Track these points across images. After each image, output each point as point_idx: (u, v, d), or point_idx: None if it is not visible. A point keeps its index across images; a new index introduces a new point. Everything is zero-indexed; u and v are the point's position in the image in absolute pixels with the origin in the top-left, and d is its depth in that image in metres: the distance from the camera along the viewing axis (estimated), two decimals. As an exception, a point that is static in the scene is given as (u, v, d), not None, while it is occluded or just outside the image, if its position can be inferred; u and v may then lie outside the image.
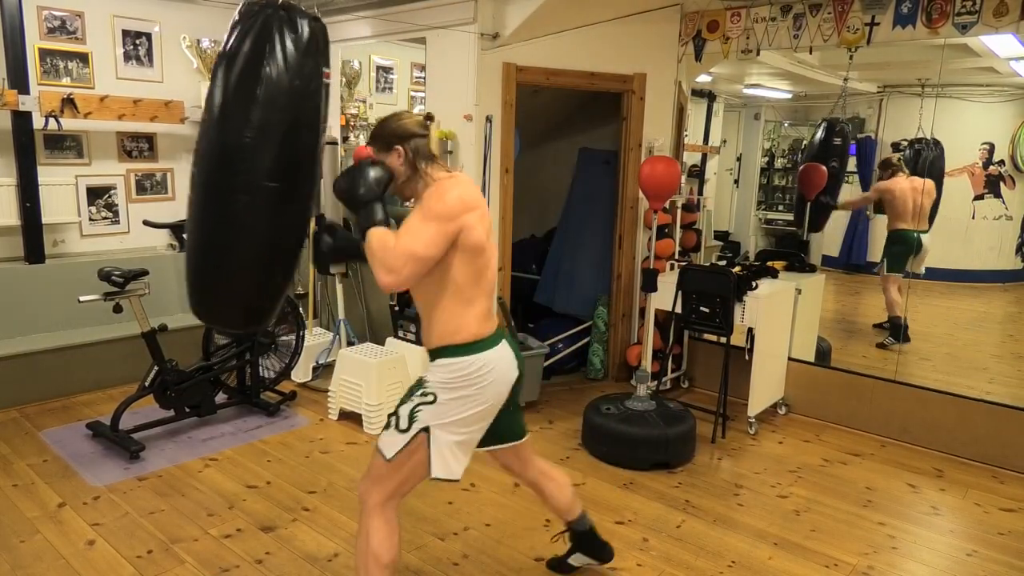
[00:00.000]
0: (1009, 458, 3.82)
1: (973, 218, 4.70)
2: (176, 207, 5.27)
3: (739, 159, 5.91)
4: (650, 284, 4.46)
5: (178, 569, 2.73)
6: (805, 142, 5.44)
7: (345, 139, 5.55)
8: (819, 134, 5.11)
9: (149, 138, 5.20)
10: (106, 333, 4.50)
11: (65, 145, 4.79)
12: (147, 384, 3.79)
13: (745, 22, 4.47)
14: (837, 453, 4.00)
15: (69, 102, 4.59)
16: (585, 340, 5.03)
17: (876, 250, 4.98)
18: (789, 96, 5.62)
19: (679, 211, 4.77)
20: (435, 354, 2.15)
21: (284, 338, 4.51)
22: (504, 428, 2.31)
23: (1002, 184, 4.57)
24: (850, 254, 5.22)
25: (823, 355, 4.83)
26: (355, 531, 3.00)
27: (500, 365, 2.15)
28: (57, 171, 4.74)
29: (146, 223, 5.09)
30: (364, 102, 6.09)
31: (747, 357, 4.24)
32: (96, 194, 5.00)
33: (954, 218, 4.73)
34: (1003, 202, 4.61)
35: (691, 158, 5.74)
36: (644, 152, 4.71)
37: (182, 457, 3.67)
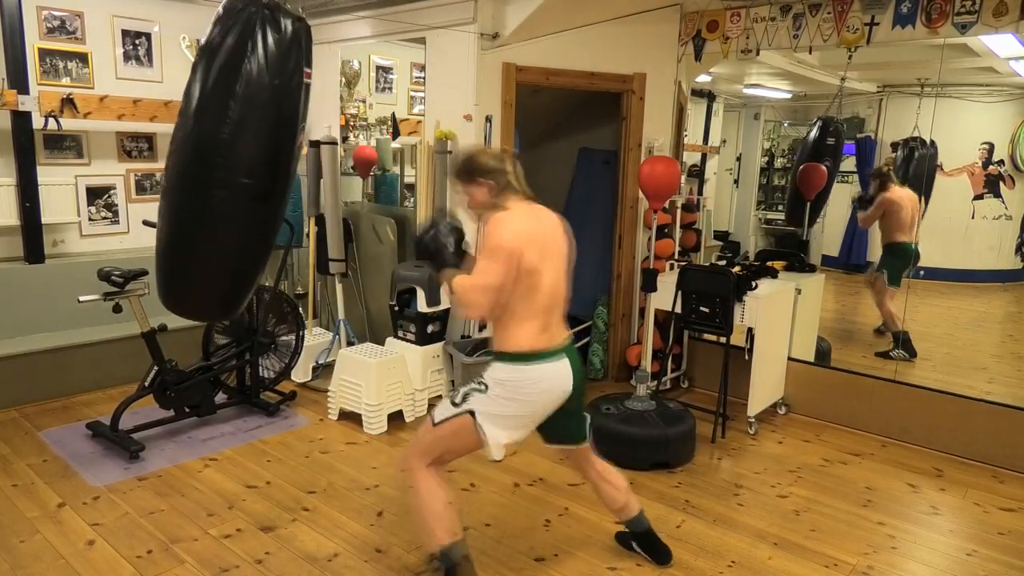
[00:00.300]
0: (1009, 458, 3.82)
1: (973, 218, 4.70)
2: (176, 207, 5.26)
3: (739, 159, 5.92)
4: (650, 284, 4.46)
5: (178, 569, 2.73)
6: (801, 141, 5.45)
7: (345, 139, 5.55)
8: (813, 133, 5.10)
9: (149, 138, 5.20)
10: (106, 333, 4.50)
11: (65, 145, 4.79)
12: (147, 384, 3.79)
13: (745, 22, 4.47)
14: (837, 453, 4.00)
15: (69, 102, 4.59)
16: (585, 340, 5.02)
17: (876, 250, 4.97)
18: (789, 96, 5.63)
19: (679, 211, 4.77)
20: (496, 357, 2.42)
21: (284, 338, 4.51)
22: (561, 431, 2.59)
23: (1002, 184, 4.57)
24: (850, 254, 5.22)
25: (823, 355, 4.83)
26: (355, 532, 3.02)
27: (551, 378, 2.38)
28: (57, 171, 4.74)
29: (146, 223, 5.04)
30: (364, 102, 6.09)
31: (747, 357, 4.24)
32: (96, 194, 5.00)
33: (954, 218, 4.74)
34: (1003, 202, 4.62)
35: (691, 158, 5.75)
36: (644, 152, 4.71)
37: (182, 457, 3.67)
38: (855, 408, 4.33)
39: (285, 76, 2.36)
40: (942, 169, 4.60)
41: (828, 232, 5.26)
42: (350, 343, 4.75)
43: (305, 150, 4.64)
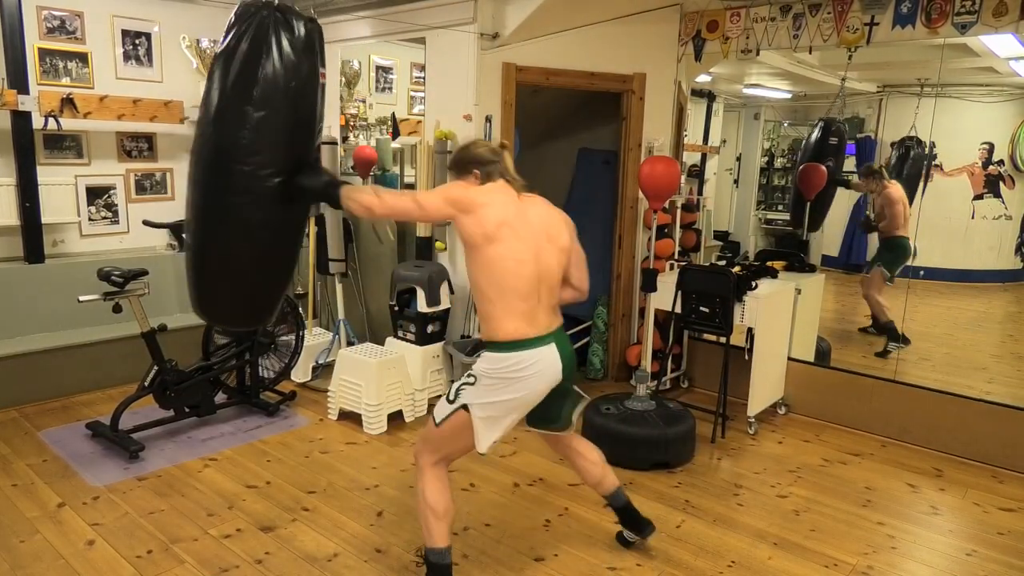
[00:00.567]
0: (1009, 458, 3.82)
1: (973, 218, 4.70)
2: (176, 207, 5.26)
3: (739, 159, 5.91)
4: (650, 284, 4.46)
5: (178, 569, 2.73)
6: (803, 142, 5.45)
7: (345, 139, 5.55)
8: (815, 133, 5.11)
9: (149, 138, 5.20)
10: (106, 333, 4.50)
11: (64, 145, 4.79)
12: (147, 384, 3.79)
13: (745, 22, 4.47)
14: (837, 453, 4.00)
15: (69, 102, 4.59)
16: (585, 340, 5.02)
17: (875, 250, 4.97)
18: (789, 96, 5.62)
19: (679, 211, 4.77)
20: (484, 347, 2.45)
21: (284, 338, 4.51)
22: (541, 412, 2.58)
23: (1002, 184, 4.57)
24: (850, 254, 5.22)
25: (823, 355, 4.83)
26: (355, 532, 3.02)
27: (539, 365, 2.38)
28: (57, 171, 4.74)
29: (146, 223, 5.09)
30: (364, 102, 6.09)
31: (747, 357, 4.24)
32: (96, 194, 5.00)
33: (954, 218, 4.73)
34: (1003, 202, 4.61)
35: (691, 158, 5.74)
36: (644, 152, 4.71)
37: (182, 457, 3.67)
38: (855, 408, 4.33)
39: (301, 78, 2.36)
40: (942, 169, 4.60)
41: (828, 232, 5.26)
42: (350, 343, 4.76)
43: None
